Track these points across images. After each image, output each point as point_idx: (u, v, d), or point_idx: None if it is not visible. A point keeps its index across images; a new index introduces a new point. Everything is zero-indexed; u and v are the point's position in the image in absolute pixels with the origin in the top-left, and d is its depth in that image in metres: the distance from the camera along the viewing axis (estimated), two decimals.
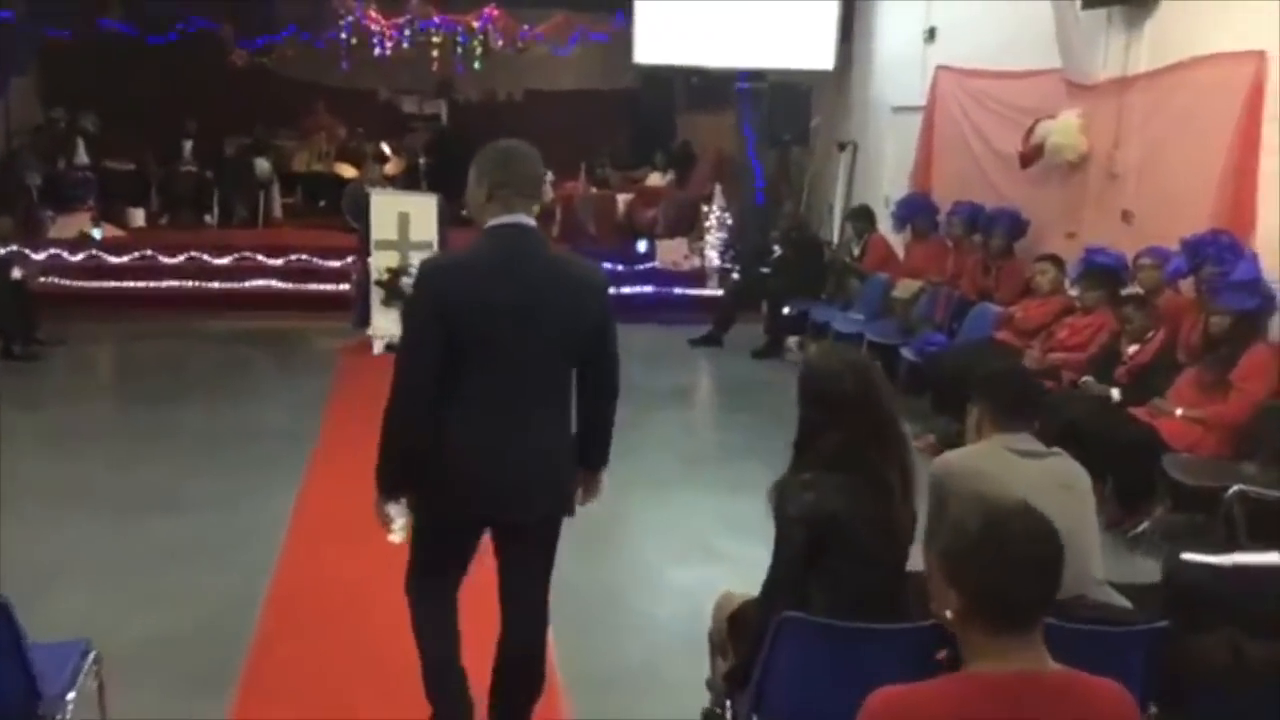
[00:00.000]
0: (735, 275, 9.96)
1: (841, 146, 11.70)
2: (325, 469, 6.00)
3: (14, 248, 9.89)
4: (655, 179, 13.63)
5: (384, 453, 2.95)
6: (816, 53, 11.59)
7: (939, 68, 9.72)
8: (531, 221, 3.04)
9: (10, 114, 11.47)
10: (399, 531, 3.08)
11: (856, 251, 9.30)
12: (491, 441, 2.95)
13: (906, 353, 7.22)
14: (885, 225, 10.04)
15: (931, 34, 9.99)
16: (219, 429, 6.92)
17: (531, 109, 15.28)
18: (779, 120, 11.77)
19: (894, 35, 10.86)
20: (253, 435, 6.73)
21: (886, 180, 10.99)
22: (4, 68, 10.71)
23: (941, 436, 6.03)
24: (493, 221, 3.00)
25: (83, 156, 11.72)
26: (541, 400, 3.02)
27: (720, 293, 11.42)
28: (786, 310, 9.31)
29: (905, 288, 7.90)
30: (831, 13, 11.46)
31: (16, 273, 8.63)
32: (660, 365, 9.22)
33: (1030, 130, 7.69)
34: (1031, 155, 7.63)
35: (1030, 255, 7.64)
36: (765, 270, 9.89)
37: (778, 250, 9.57)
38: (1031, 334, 6.77)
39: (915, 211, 9.00)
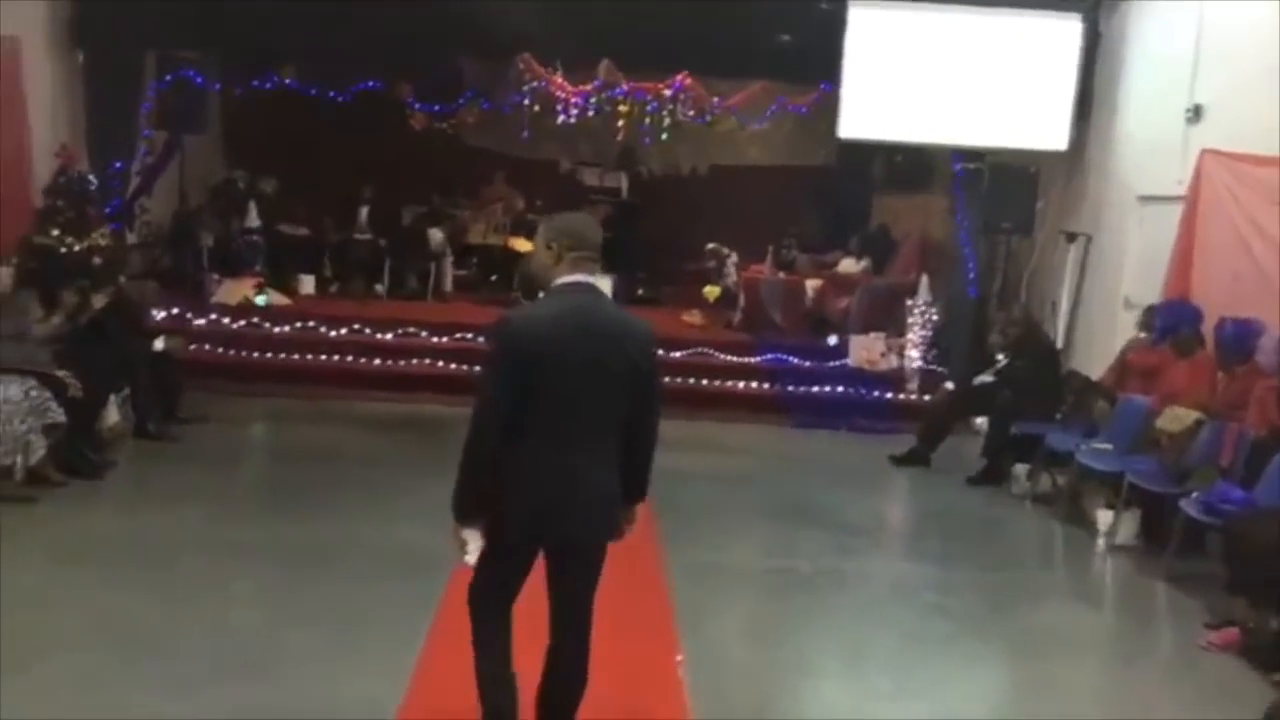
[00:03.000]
0: (949, 384, 8.62)
1: (1070, 237, 10.24)
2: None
3: (162, 315, 9.41)
4: (848, 265, 12.45)
5: (462, 482, 3.34)
6: (1047, 131, 10.24)
7: (1205, 152, 8.25)
8: (595, 280, 3.42)
9: (185, 172, 11.22)
10: (473, 554, 3.43)
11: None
12: (557, 473, 3.33)
13: (1189, 507, 5.74)
14: (1128, 331, 8.58)
15: (1197, 112, 8.55)
16: (344, 547, 5.87)
17: (716, 184, 14.50)
18: (999, 205, 10.43)
19: (1146, 113, 9.43)
20: (385, 555, 5.75)
21: (1129, 279, 9.51)
22: (181, 125, 10.43)
23: (1257, 632, 4.55)
24: (563, 280, 3.38)
25: (254, 219, 11.38)
26: (600, 439, 3.38)
27: (923, 398, 10.11)
28: (1014, 430, 7.89)
29: (1176, 418, 6.41)
30: (1068, 87, 10.11)
31: (159, 344, 8.07)
32: (849, 486, 8.02)
33: None
34: None
35: None
36: (987, 379, 8.50)
37: (1002, 358, 8.19)
38: None
39: (1180, 321, 7.51)
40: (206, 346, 9.93)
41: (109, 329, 7.47)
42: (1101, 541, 6.66)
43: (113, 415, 7.67)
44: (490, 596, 3.48)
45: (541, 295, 3.42)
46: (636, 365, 3.35)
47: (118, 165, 9.98)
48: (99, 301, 7.56)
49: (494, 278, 12.75)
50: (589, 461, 3.34)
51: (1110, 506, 6.66)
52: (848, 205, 13.80)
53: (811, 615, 5.36)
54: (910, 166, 12.93)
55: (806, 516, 6.99)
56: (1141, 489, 6.44)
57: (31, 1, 9.21)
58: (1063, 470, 7.61)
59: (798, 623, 5.26)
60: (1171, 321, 7.81)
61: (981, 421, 9.21)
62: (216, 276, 11.00)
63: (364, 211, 12.55)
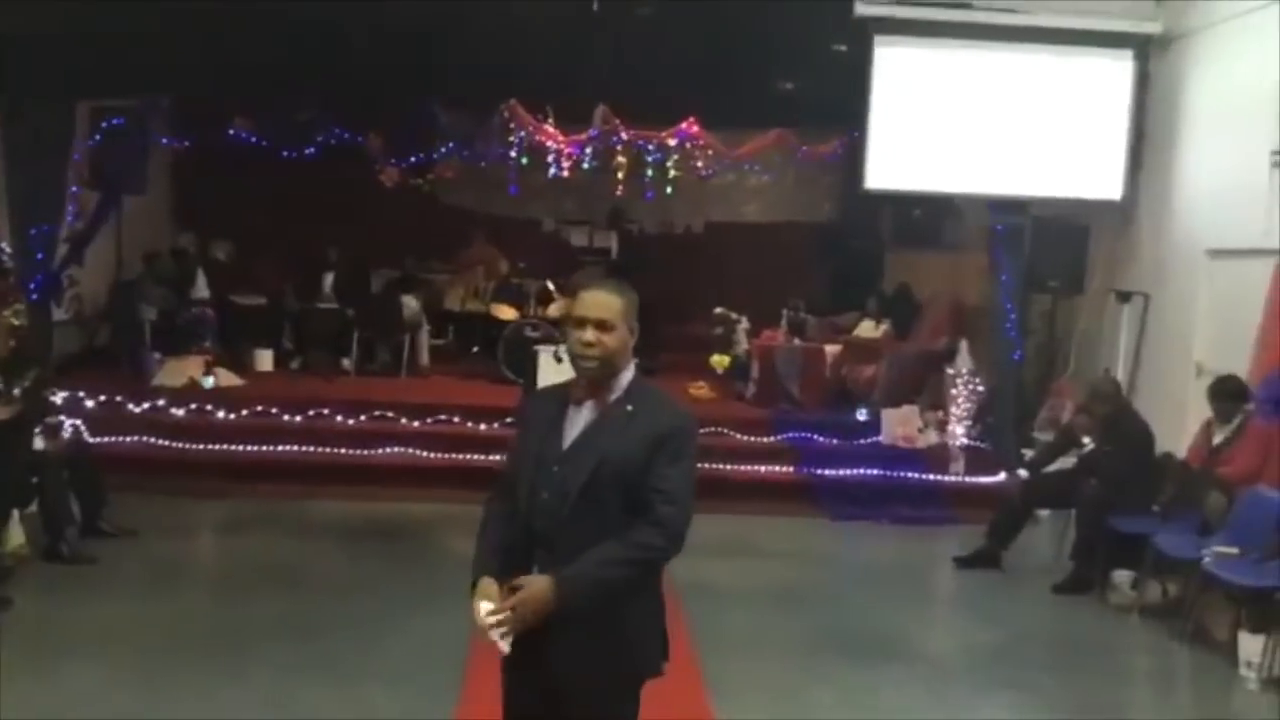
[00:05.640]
0: (1022, 471, 7.39)
1: (1123, 297, 9.12)
2: None
3: (58, 403, 7.95)
4: (867, 328, 11.26)
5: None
6: (1097, 180, 9.18)
7: None
8: None
9: (124, 237, 9.88)
10: None
11: (1218, 440, 6.59)
12: None
13: None
14: (1201, 402, 7.35)
15: None
16: None
17: (713, 242, 13.41)
18: (1045, 261, 9.32)
19: (1216, 159, 8.35)
20: None
21: (1200, 344, 8.37)
22: (116, 183, 9.11)
23: None
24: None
25: (202, 289, 10.04)
26: None
27: (966, 480, 8.88)
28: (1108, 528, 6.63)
29: None
30: (1119, 131, 9.05)
31: (39, 443, 6.59)
32: (916, 600, 6.79)
33: None
34: None
35: None
36: (1062, 465, 7.28)
37: (1088, 441, 6.96)
38: None
39: None
40: (147, 439, 8.61)
41: (7, 440, 6.02)
42: (1250, 675, 5.39)
43: (15, 536, 6.27)
44: None
45: (629, 383, 2.79)
46: None
47: (43, 229, 8.61)
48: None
49: (475, 349, 11.46)
50: None
51: (1257, 629, 5.41)
52: (859, 264, 12.71)
53: None
54: (930, 221, 11.85)
55: (878, 647, 5.68)
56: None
57: None
58: (1174, 576, 6.37)
59: None
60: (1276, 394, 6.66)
61: (1045, 512, 8.05)
62: (158, 355, 9.64)
63: (329, 278, 11.29)
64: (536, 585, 2.63)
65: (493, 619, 2.63)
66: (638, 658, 2.77)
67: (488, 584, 2.73)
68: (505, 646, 2.66)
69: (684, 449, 2.71)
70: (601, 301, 2.73)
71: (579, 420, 2.77)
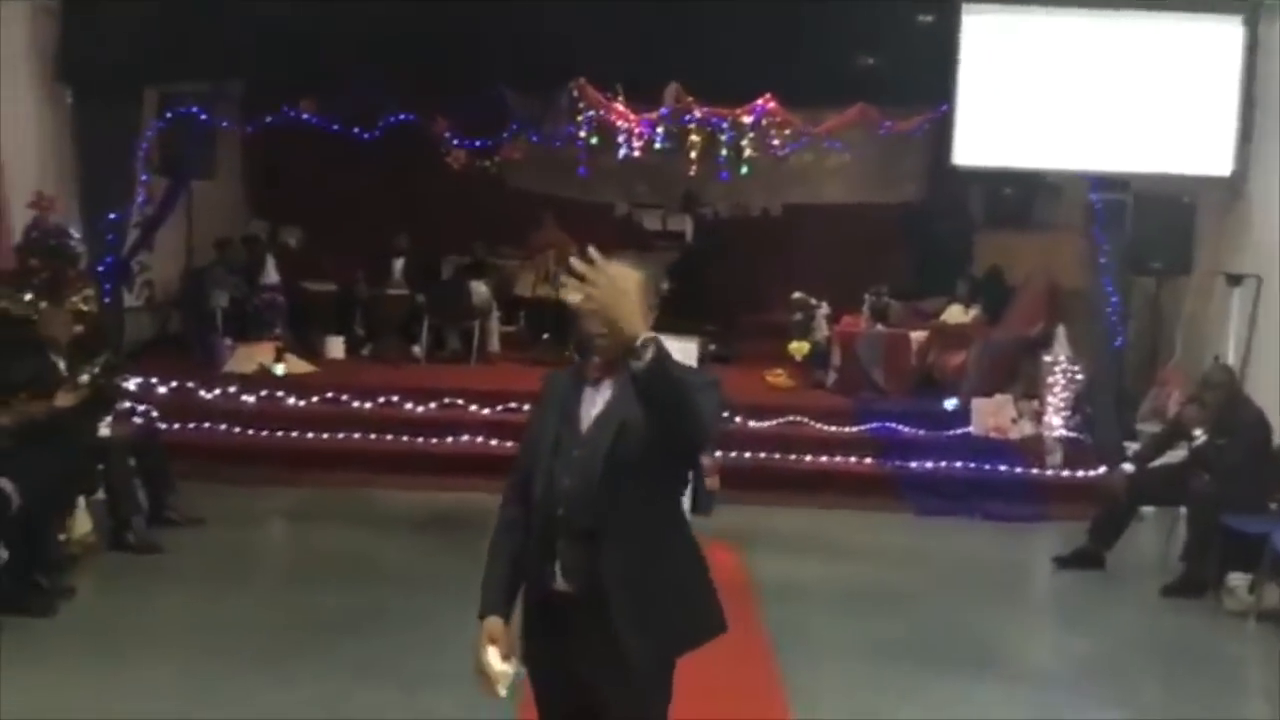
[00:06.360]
0: (1127, 466, 6.89)
1: (1233, 279, 8.50)
2: None
3: (130, 390, 7.88)
4: (956, 314, 10.75)
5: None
6: (1205, 154, 8.57)
7: None
8: None
9: (194, 225, 9.83)
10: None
11: None
12: None
13: None
14: None
15: None
16: None
17: (791, 225, 13.01)
18: (1148, 241, 8.76)
19: None
20: None
21: None
22: (185, 169, 9.02)
23: None
24: None
25: (272, 275, 9.93)
26: None
27: (1064, 474, 8.39)
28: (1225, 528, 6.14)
29: None
30: (1229, 101, 8.43)
31: (104, 430, 6.43)
32: (1014, 605, 6.40)
33: None
34: None
35: None
36: (1170, 459, 6.77)
37: (1199, 433, 6.45)
38: None
39: None
40: (221, 426, 8.51)
41: (72, 426, 5.90)
42: None
43: (82, 524, 6.18)
44: None
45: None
46: None
47: (112, 216, 8.56)
48: (65, 398, 5.94)
49: (546, 335, 11.22)
50: None
51: None
52: (946, 245, 12.15)
53: None
54: (1022, 199, 11.29)
55: (976, 658, 5.28)
56: None
57: (8, 30, 7.89)
58: None
59: None
60: None
61: (1150, 509, 7.53)
62: (229, 342, 9.56)
63: (398, 264, 11.14)
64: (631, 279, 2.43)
65: (500, 668, 2.57)
66: (667, 633, 2.61)
67: (495, 626, 2.63)
68: (503, 692, 2.60)
69: (707, 385, 2.53)
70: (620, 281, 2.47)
71: (598, 400, 2.60)
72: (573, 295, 2.37)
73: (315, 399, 8.96)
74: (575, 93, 9.21)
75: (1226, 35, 8.49)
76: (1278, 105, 8.36)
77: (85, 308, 7.32)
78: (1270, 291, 8.30)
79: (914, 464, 8.52)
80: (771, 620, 5.40)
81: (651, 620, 2.55)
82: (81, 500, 6.23)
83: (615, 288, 2.32)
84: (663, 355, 2.27)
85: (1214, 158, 8.55)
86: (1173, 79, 8.55)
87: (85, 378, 6.52)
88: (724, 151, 9.26)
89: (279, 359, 9.32)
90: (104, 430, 6.42)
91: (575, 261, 2.35)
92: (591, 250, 2.36)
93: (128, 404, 7.54)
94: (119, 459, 6.37)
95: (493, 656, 2.61)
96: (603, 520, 2.52)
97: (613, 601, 2.52)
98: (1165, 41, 8.55)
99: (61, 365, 6.39)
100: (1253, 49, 8.46)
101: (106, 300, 8.26)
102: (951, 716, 4.67)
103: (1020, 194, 11.44)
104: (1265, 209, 8.48)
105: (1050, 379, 8.61)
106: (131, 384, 8.30)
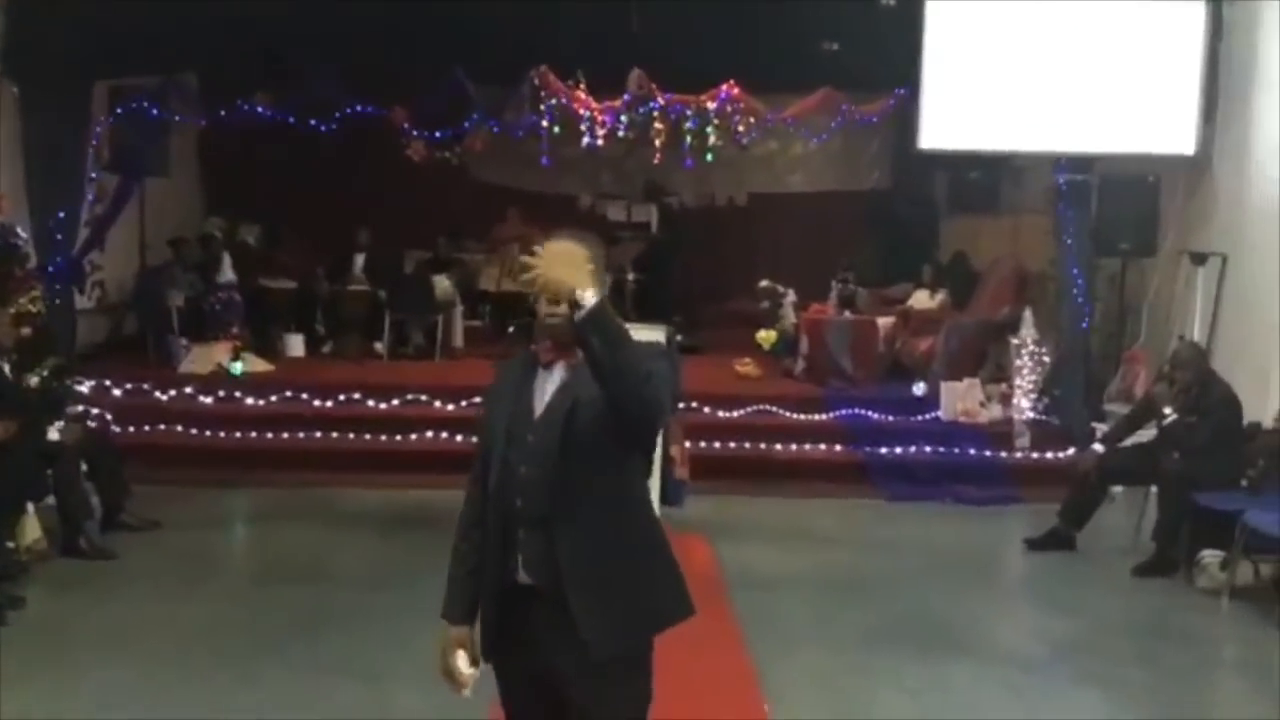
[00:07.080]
0: (1097, 446, 6.85)
1: (1198, 258, 8.50)
2: None
3: (84, 392, 7.68)
4: (922, 299, 10.74)
5: None
6: (1168, 133, 8.57)
7: None
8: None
9: (148, 224, 9.61)
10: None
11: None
12: None
13: None
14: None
15: None
16: None
17: (756, 215, 12.96)
18: (1113, 222, 8.75)
19: None
20: None
21: None
22: (136, 166, 8.80)
23: None
24: None
25: (228, 273, 9.72)
26: None
27: (1033, 456, 8.37)
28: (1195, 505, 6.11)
29: None
30: (1190, 80, 8.43)
31: (54, 434, 6.23)
32: (986, 587, 6.34)
33: None
34: None
35: None
36: (1141, 438, 6.74)
37: (1169, 412, 6.41)
38: None
39: None
40: (178, 428, 8.32)
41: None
42: None
43: (32, 530, 5.99)
44: None
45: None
46: None
47: (62, 215, 8.32)
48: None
49: (511, 328, 11.08)
50: None
51: None
52: (912, 232, 12.16)
53: None
54: (987, 184, 11.28)
55: (947, 640, 5.22)
56: None
57: None
58: (1267, 555, 5.85)
59: None
60: None
61: (1119, 489, 7.52)
62: (185, 342, 9.35)
63: (359, 259, 10.93)
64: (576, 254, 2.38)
65: (468, 672, 2.59)
66: (629, 619, 2.54)
67: (462, 634, 2.63)
68: (468, 694, 2.62)
69: (659, 355, 2.52)
70: (564, 253, 2.42)
71: (549, 385, 2.53)
72: (523, 279, 2.35)
73: (274, 398, 8.79)
74: (536, 81, 9.06)
75: (1189, 15, 8.50)
76: (1241, 84, 8.38)
77: (33, 309, 7.11)
78: (1235, 270, 8.30)
79: (884, 450, 8.46)
80: (743, 609, 5.31)
81: (612, 607, 2.48)
82: (30, 506, 6.03)
83: (557, 256, 2.30)
84: (605, 302, 2.25)
85: (1178, 137, 8.55)
86: (1136, 59, 8.54)
87: (35, 381, 6.37)
88: (689, 139, 9.14)
89: (237, 358, 9.12)
90: (53, 434, 6.21)
91: (524, 257, 2.34)
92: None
93: (80, 407, 7.32)
94: (69, 463, 6.17)
95: (461, 661, 2.62)
96: (560, 505, 2.44)
97: (570, 590, 2.44)
98: (1128, 21, 8.53)
99: (7, 368, 6.22)
100: (1215, 29, 8.47)
101: (56, 301, 8.04)
102: (927, 700, 4.60)
103: (985, 179, 11.44)
104: (1230, 188, 8.48)
105: (1018, 362, 8.58)
106: (84, 387, 8.10)
